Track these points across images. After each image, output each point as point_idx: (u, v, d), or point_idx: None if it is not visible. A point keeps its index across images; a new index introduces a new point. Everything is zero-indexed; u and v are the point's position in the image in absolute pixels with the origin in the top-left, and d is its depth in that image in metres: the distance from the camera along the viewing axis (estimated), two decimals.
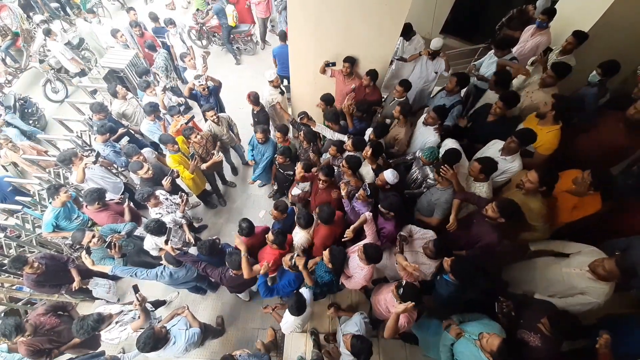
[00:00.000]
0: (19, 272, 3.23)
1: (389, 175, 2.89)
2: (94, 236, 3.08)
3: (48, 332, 2.88)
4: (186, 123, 4.14)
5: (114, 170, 4.31)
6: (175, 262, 3.00)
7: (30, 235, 3.75)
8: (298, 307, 2.52)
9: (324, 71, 3.96)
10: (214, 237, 3.20)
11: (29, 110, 5.92)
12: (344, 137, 3.66)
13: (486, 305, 2.59)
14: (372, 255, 2.50)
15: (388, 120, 4.03)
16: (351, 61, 3.80)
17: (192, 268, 3.15)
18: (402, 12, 3.32)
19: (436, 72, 4.32)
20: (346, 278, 2.86)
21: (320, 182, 3.23)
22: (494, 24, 5.62)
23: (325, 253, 2.60)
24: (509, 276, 3.17)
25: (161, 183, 3.67)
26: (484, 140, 3.41)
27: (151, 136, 4.37)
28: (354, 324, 2.72)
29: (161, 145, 4.09)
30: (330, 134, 3.81)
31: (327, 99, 3.87)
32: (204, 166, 4.05)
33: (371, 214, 2.80)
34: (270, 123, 4.71)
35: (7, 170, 4.73)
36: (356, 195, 3.10)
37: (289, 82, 4.71)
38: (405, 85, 3.78)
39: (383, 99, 4.34)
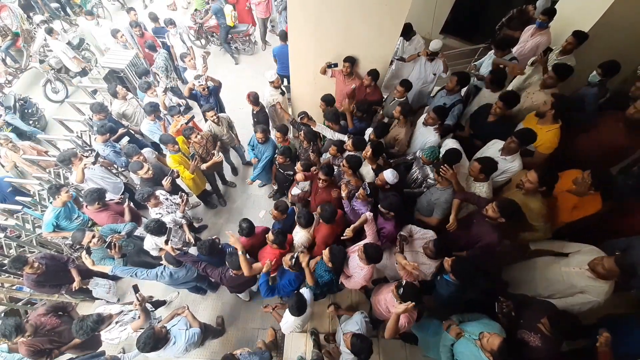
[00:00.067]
0: (19, 272, 3.23)
1: (389, 175, 2.89)
2: (94, 236, 3.08)
3: (48, 332, 2.88)
4: (186, 123, 4.14)
5: (114, 171, 4.32)
6: (176, 262, 3.00)
7: (30, 236, 3.76)
8: (298, 308, 2.52)
9: (324, 72, 3.97)
10: (213, 237, 3.20)
11: (29, 111, 5.92)
12: (344, 137, 3.66)
13: (486, 305, 2.59)
14: (372, 255, 2.50)
15: (386, 119, 4.03)
16: (351, 61, 3.80)
17: (192, 268, 3.15)
18: (402, 12, 3.32)
19: (434, 74, 4.33)
20: (346, 278, 2.86)
21: (320, 181, 3.23)
22: (494, 24, 5.62)
23: (325, 252, 2.60)
24: (509, 276, 3.17)
25: (161, 183, 3.67)
26: (484, 141, 3.42)
27: (151, 136, 4.38)
28: (355, 323, 2.72)
29: (161, 145, 4.09)
30: (331, 134, 3.81)
31: (328, 100, 3.88)
32: (204, 166, 4.06)
33: (372, 214, 2.80)
34: (270, 123, 4.71)
35: (7, 171, 4.72)
36: (356, 194, 3.10)
37: (289, 82, 4.72)
38: (406, 85, 3.78)
39: (383, 99, 4.34)
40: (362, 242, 2.71)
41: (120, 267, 3.04)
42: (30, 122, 5.91)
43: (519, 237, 2.95)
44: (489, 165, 2.83)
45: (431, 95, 4.53)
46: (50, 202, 3.57)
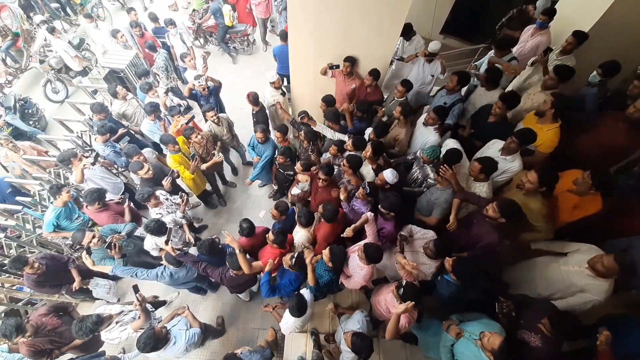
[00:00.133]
0: (20, 273, 3.23)
1: (389, 174, 2.90)
2: (94, 236, 3.08)
3: (49, 332, 2.89)
4: (186, 123, 4.14)
5: (114, 171, 4.32)
6: (176, 262, 3.00)
7: (30, 236, 3.75)
8: (299, 308, 2.52)
9: (324, 72, 3.97)
10: (213, 237, 3.20)
11: (29, 111, 5.92)
12: (345, 137, 3.66)
13: (486, 306, 2.59)
14: (372, 255, 2.51)
15: (385, 118, 4.04)
16: (351, 61, 3.81)
17: (192, 268, 3.15)
18: (402, 12, 3.32)
19: (433, 75, 4.34)
20: (346, 278, 2.86)
21: (320, 181, 3.23)
22: (494, 24, 5.62)
23: (326, 252, 2.60)
24: (509, 276, 3.17)
25: (161, 183, 3.67)
26: (484, 141, 3.42)
27: (151, 136, 4.38)
28: (356, 322, 2.72)
29: (162, 146, 4.09)
30: (331, 134, 3.81)
31: (328, 101, 3.88)
32: (203, 166, 4.06)
33: (372, 214, 2.80)
34: (270, 123, 4.71)
35: (7, 171, 4.73)
36: (356, 194, 3.10)
37: (289, 82, 4.71)
38: (407, 85, 3.78)
39: (384, 99, 4.34)
40: (362, 242, 2.71)
41: (121, 268, 3.04)
42: (31, 122, 5.91)
43: (520, 238, 2.96)
44: (489, 165, 2.84)
45: (431, 95, 4.53)
46: (51, 202, 3.57)
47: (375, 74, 3.81)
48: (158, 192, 3.52)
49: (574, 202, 2.76)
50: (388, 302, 2.61)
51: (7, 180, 4.29)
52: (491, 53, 4.15)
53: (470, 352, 2.23)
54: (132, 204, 3.83)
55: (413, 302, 2.20)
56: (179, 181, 4.12)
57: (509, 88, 4.22)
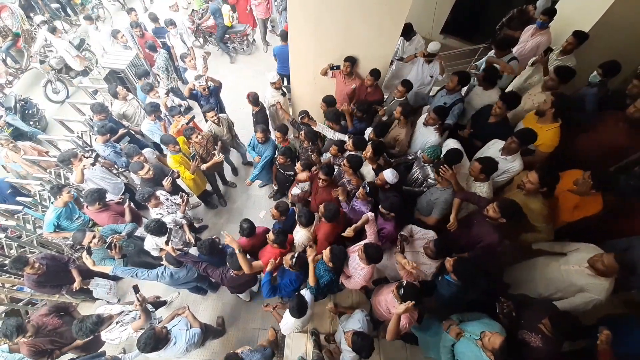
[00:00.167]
0: (20, 273, 3.24)
1: (389, 174, 2.90)
2: (94, 237, 3.08)
3: (50, 332, 2.89)
4: (187, 123, 4.14)
5: (115, 171, 4.32)
6: (176, 262, 3.00)
7: (31, 236, 3.76)
8: (299, 309, 2.52)
9: (325, 73, 3.97)
10: (213, 237, 3.20)
11: (30, 112, 5.92)
12: (345, 137, 3.67)
13: (487, 306, 2.59)
14: (372, 255, 2.51)
15: (385, 118, 4.04)
16: (352, 61, 3.81)
17: (192, 268, 3.15)
18: (402, 12, 3.33)
19: (431, 76, 4.34)
20: (346, 278, 2.86)
21: (320, 181, 3.23)
22: (494, 24, 5.62)
23: (326, 252, 2.60)
24: (509, 276, 3.17)
25: (162, 183, 3.67)
26: (484, 141, 3.42)
27: (152, 136, 4.38)
28: (356, 321, 2.72)
29: (162, 146, 4.10)
30: (331, 134, 3.81)
31: (329, 101, 3.89)
32: (204, 167, 4.06)
33: (373, 214, 2.80)
34: (270, 123, 4.72)
35: (8, 172, 4.73)
36: (356, 194, 3.10)
37: (289, 82, 4.71)
38: (407, 85, 3.79)
39: (384, 99, 4.34)
40: (362, 242, 2.71)
41: (121, 268, 3.04)
42: (31, 122, 5.91)
43: (520, 239, 2.96)
44: (489, 165, 2.84)
45: (432, 95, 4.53)
46: (51, 203, 3.57)
47: (375, 73, 3.81)
48: (158, 193, 3.52)
49: (575, 202, 2.76)
50: (388, 302, 2.61)
51: (8, 181, 4.29)
52: (491, 53, 4.15)
53: (471, 352, 2.23)
54: (132, 204, 3.83)
55: (413, 302, 2.20)
56: (179, 181, 4.13)
57: (509, 88, 4.22)
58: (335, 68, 3.89)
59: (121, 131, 4.42)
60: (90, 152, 4.28)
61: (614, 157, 3.21)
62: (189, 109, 6.11)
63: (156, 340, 2.45)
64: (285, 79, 5.33)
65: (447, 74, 5.01)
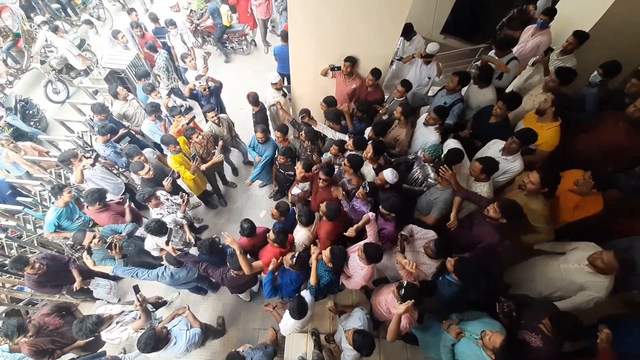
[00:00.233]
0: (20, 273, 3.24)
1: (388, 174, 2.90)
2: (94, 237, 3.08)
3: (51, 332, 2.90)
4: (187, 124, 4.14)
5: (115, 171, 4.32)
6: (176, 262, 3.00)
7: (31, 236, 3.76)
8: (299, 311, 2.51)
9: (325, 73, 3.97)
10: (213, 236, 3.20)
11: (30, 112, 5.93)
12: (346, 137, 3.67)
13: (487, 306, 2.59)
14: (372, 254, 2.51)
15: (386, 117, 4.05)
16: (352, 61, 3.81)
17: (193, 269, 3.15)
18: (402, 12, 3.33)
19: (429, 78, 4.34)
20: (346, 278, 2.86)
21: (321, 181, 3.24)
22: (495, 24, 5.61)
23: (326, 252, 2.60)
24: (509, 276, 3.17)
25: (162, 184, 3.67)
26: (484, 141, 3.42)
27: (152, 136, 4.38)
28: (357, 319, 2.72)
29: (162, 146, 4.10)
30: (332, 134, 3.81)
31: (330, 102, 3.90)
32: (203, 167, 4.06)
33: (374, 214, 2.80)
34: (270, 123, 4.72)
35: (8, 172, 4.74)
36: (356, 194, 3.10)
37: (289, 82, 4.71)
38: (406, 85, 3.79)
39: (385, 99, 4.35)
40: (362, 242, 2.71)
41: (121, 268, 3.04)
42: (32, 123, 5.92)
43: (521, 240, 2.95)
44: (490, 166, 2.83)
45: (432, 95, 4.52)
46: (52, 203, 3.57)
47: (376, 73, 3.81)
48: (159, 193, 3.52)
49: (576, 202, 2.76)
50: (389, 302, 2.60)
51: (8, 181, 4.30)
52: (492, 53, 4.15)
53: (472, 351, 2.23)
54: (132, 204, 3.84)
55: (413, 301, 2.20)
56: (179, 181, 4.13)
57: (509, 88, 4.22)
58: (335, 69, 3.89)
59: (121, 131, 4.42)
60: (90, 152, 4.28)
61: (614, 157, 3.21)
62: (189, 109, 6.12)
63: (156, 340, 2.45)
64: (285, 78, 5.33)
65: (445, 75, 5.04)
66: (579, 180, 2.65)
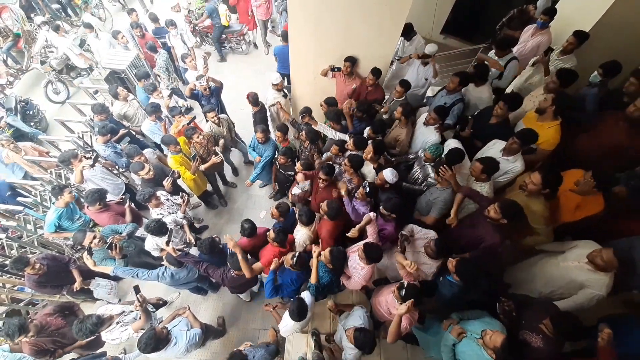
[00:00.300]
0: (21, 273, 3.24)
1: (388, 174, 2.90)
2: (95, 237, 3.08)
3: (52, 332, 2.90)
4: (188, 124, 4.14)
5: (115, 171, 4.33)
6: (177, 263, 3.00)
7: (32, 236, 3.76)
8: (299, 313, 2.50)
9: (325, 73, 3.97)
10: (213, 236, 3.20)
11: (30, 112, 5.94)
12: (346, 137, 3.67)
13: (487, 306, 2.59)
14: (372, 254, 2.51)
15: (386, 116, 4.05)
16: (352, 61, 3.81)
17: (193, 269, 3.15)
18: (402, 12, 3.33)
19: (426, 79, 4.34)
20: (347, 278, 2.86)
21: (321, 181, 3.24)
22: (495, 24, 5.61)
23: (326, 254, 2.60)
24: (509, 276, 3.17)
25: (162, 184, 3.67)
26: (484, 141, 3.41)
27: (152, 136, 4.39)
28: (357, 318, 2.71)
29: (163, 146, 4.10)
30: (332, 133, 3.82)
31: (330, 102, 3.90)
32: (202, 167, 4.05)
33: (375, 214, 2.81)
34: (270, 123, 4.72)
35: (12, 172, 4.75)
36: (356, 194, 3.10)
37: (289, 82, 4.72)
38: (405, 85, 3.80)
39: (385, 99, 4.35)
40: (361, 242, 2.71)
41: (122, 268, 3.04)
42: (32, 123, 5.92)
43: (520, 242, 2.95)
44: (490, 166, 2.83)
45: (432, 95, 4.53)
46: (53, 203, 3.58)
47: (376, 72, 3.81)
48: (159, 193, 3.52)
49: (577, 202, 2.76)
50: (389, 303, 2.60)
51: (9, 181, 4.30)
52: (492, 53, 4.15)
53: (472, 350, 2.24)
54: (132, 205, 3.84)
55: (413, 300, 2.20)
56: (179, 182, 4.13)
57: (510, 88, 4.23)
58: (335, 69, 3.90)
59: (122, 132, 4.43)
60: (91, 152, 4.28)
61: (614, 157, 3.21)
62: (189, 109, 6.12)
63: (157, 340, 2.45)
64: (285, 78, 5.33)
65: (445, 76, 5.04)
66: (580, 181, 2.65)
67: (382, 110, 3.96)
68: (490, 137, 3.35)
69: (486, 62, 3.93)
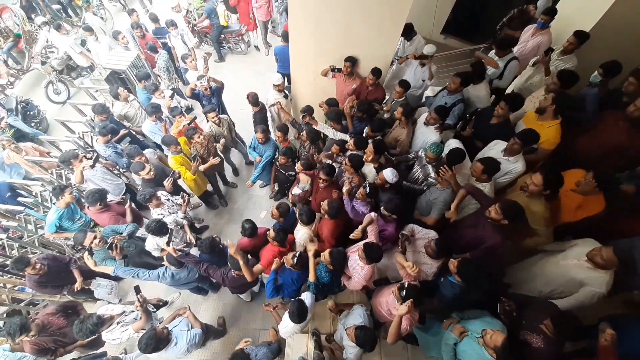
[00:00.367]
0: (21, 273, 3.25)
1: (389, 174, 2.90)
2: (95, 237, 3.08)
3: (54, 332, 2.90)
4: (188, 124, 4.15)
5: (116, 172, 4.33)
6: (177, 263, 3.01)
7: (32, 236, 3.77)
8: (299, 315, 2.50)
9: (325, 74, 3.97)
10: (213, 235, 3.20)
11: (31, 113, 5.95)
12: (346, 137, 3.67)
13: (488, 306, 2.59)
14: (372, 254, 2.51)
15: (387, 115, 4.05)
16: (352, 61, 3.81)
17: (193, 269, 3.16)
18: (402, 12, 3.33)
19: (423, 80, 4.33)
20: (347, 279, 2.86)
21: (321, 181, 3.24)
22: (495, 24, 5.61)
23: (326, 255, 2.60)
24: (510, 276, 3.17)
25: (163, 184, 3.68)
26: (484, 141, 3.41)
27: (152, 137, 4.39)
28: (357, 316, 2.72)
29: (163, 146, 4.11)
30: (333, 133, 3.82)
31: (331, 103, 3.91)
32: (201, 167, 4.05)
33: (376, 214, 2.81)
34: (270, 123, 4.72)
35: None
36: (356, 194, 3.10)
37: (289, 82, 4.72)
38: (405, 85, 3.80)
39: (385, 99, 4.35)
40: (361, 242, 2.71)
41: (122, 268, 3.05)
42: (32, 124, 5.93)
43: (520, 244, 2.95)
44: (492, 166, 2.83)
45: (433, 96, 4.52)
46: (53, 203, 3.58)
47: (377, 72, 3.82)
48: (159, 193, 3.52)
49: (578, 202, 2.76)
50: (389, 303, 2.60)
51: (9, 181, 4.31)
52: (492, 53, 4.15)
53: (473, 350, 2.24)
54: (133, 205, 3.84)
55: (412, 300, 2.21)
56: (180, 182, 4.13)
57: (510, 88, 4.22)
58: (336, 70, 3.90)
59: (122, 132, 4.43)
60: (91, 152, 4.29)
61: (614, 157, 3.21)
62: (190, 109, 6.13)
63: (157, 340, 2.45)
64: (285, 78, 5.33)
65: (446, 76, 5.03)
66: (581, 182, 2.65)
67: (384, 109, 3.96)
68: (491, 137, 3.34)
69: (483, 60, 3.92)
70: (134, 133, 4.75)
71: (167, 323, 2.91)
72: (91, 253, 3.03)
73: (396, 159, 3.62)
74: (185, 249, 3.51)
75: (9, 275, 3.58)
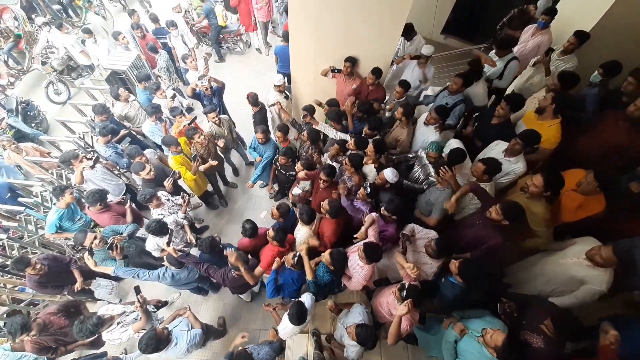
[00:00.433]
0: (22, 273, 3.25)
1: (389, 173, 2.90)
2: (95, 237, 3.09)
3: (55, 331, 2.90)
4: (189, 124, 4.15)
5: (116, 172, 4.33)
6: (177, 263, 3.01)
7: (32, 237, 3.77)
8: (299, 317, 2.49)
9: (325, 74, 3.97)
10: (213, 235, 3.20)
11: (31, 113, 5.95)
12: (347, 137, 3.67)
13: (488, 306, 2.59)
14: (371, 254, 2.51)
15: (388, 114, 4.04)
16: (352, 61, 3.82)
17: (194, 269, 3.15)
18: (402, 12, 3.33)
19: (420, 81, 4.33)
20: (347, 279, 2.85)
21: (321, 181, 3.24)
22: (495, 23, 5.61)
23: (326, 256, 2.60)
24: (510, 276, 3.16)
25: (163, 184, 3.68)
26: (485, 142, 3.41)
27: (152, 137, 4.39)
28: (357, 314, 2.71)
29: (163, 147, 4.11)
30: (333, 133, 3.82)
31: (331, 103, 3.91)
32: (201, 168, 4.05)
33: (377, 214, 2.80)
34: (270, 123, 4.72)
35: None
36: (357, 194, 3.10)
37: (289, 82, 4.73)
38: (405, 85, 3.80)
39: (385, 99, 4.35)
40: (361, 242, 2.71)
41: (122, 268, 3.05)
42: (33, 124, 5.93)
43: (521, 244, 2.95)
44: (493, 166, 2.82)
45: (434, 95, 4.52)
46: (54, 204, 3.58)
47: (377, 72, 3.82)
48: (160, 193, 3.53)
49: (579, 202, 2.75)
50: (390, 304, 2.60)
51: (10, 181, 4.31)
52: (492, 53, 4.15)
53: (473, 348, 2.24)
54: (133, 205, 3.84)
55: (412, 299, 2.21)
56: (180, 182, 4.13)
57: (510, 88, 4.22)
58: (336, 71, 3.90)
59: (122, 132, 4.43)
60: (92, 153, 4.29)
61: (615, 157, 3.21)
62: (190, 109, 6.13)
63: (157, 341, 2.45)
64: (285, 77, 5.33)
65: (446, 76, 5.03)
66: (581, 182, 2.65)
67: (386, 108, 3.96)
68: (491, 137, 3.34)
69: (479, 58, 3.92)
70: (134, 133, 4.76)
71: (168, 323, 2.91)
72: (91, 253, 3.02)
73: (396, 158, 3.62)
74: (186, 249, 3.51)
75: (9, 276, 3.58)
